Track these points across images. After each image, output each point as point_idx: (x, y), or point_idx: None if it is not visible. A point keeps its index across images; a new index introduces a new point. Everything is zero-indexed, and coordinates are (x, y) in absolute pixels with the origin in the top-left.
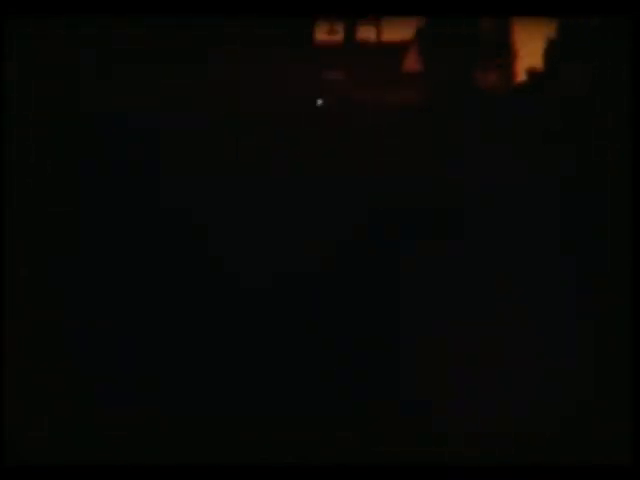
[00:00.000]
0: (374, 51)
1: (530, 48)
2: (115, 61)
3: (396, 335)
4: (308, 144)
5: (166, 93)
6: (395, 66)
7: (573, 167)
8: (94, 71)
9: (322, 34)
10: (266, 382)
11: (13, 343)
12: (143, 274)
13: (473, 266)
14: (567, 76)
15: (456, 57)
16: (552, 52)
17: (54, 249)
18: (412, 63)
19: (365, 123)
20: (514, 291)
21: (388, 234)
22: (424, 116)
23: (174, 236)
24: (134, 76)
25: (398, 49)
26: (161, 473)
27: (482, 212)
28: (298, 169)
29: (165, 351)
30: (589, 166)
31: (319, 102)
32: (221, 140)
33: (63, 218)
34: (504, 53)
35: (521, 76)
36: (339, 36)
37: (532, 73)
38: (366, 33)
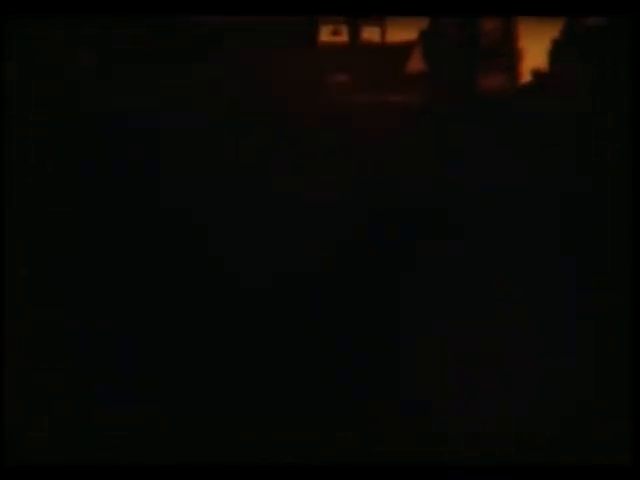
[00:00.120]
0: (377, 52)
1: (530, 49)
2: (115, 61)
3: (396, 335)
4: (310, 144)
5: (168, 93)
6: (398, 67)
7: (573, 167)
8: (94, 71)
9: (326, 36)
10: (266, 382)
11: (13, 343)
12: (143, 274)
13: (473, 266)
14: (567, 76)
15: (458, 58)
16: (552, 52)
17: (54, 249)
18: (415, 64)
19: (367, 124)
20: (514, 291)
21: (388, 234)
22: (426, 117)
23: (174, 236)
24: (134, 76)
25: (401, 51)
26: (161, 473)
27: (482, 212)
28: (300, 169)
29: (165, 351)
30: (589, 166)
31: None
32: (223, 140)
33: (63, 218)
34: (505, 54)
35: (521, 76)
36: (343, 38)
37: (532, 73)
38: (369, 35)
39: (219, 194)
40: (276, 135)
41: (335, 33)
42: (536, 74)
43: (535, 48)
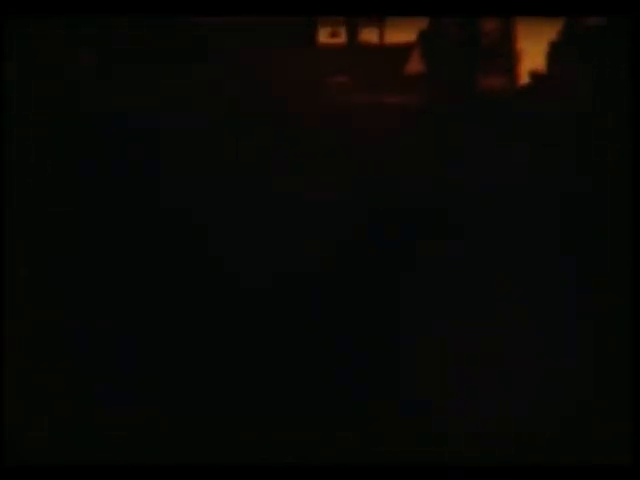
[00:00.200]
0: (377, 53)
1: (530, 49)
2: (115, 61)
3: (396, 335)
4: (310, 144)
5: (168, 93)
6: (397, 68)
7: (573, 167)
8: (94, 71)
9: (325, 36)
10: (266, 382)
11: (13, 343)
12: (143, 274)
13: (473, 266)
14: (567, 76)
15: (457, 59)
16: (552, 53)
17: (54, 249)
18: (414, 65)
19: (367, 124)
20: (514, 291)
21: (388, 234)
22: (426, 117)
23: (174, 236)
24: (134, 76)
25: (400, 51)
26: (161, 473)
27: (482, 212)
28: (299, 169)
29: (165, 351)
30: (589, 166)
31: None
32: (222, 140)
33: (63, 218)
34: (504, 55)
35: (521, 76)
36: (342, 38)
37: (532, 74)
38: (368, 36)
39: (219, 194)
40: (276, 135)
41: (334, 34)
42: (536, 74)
43: (535, 48)
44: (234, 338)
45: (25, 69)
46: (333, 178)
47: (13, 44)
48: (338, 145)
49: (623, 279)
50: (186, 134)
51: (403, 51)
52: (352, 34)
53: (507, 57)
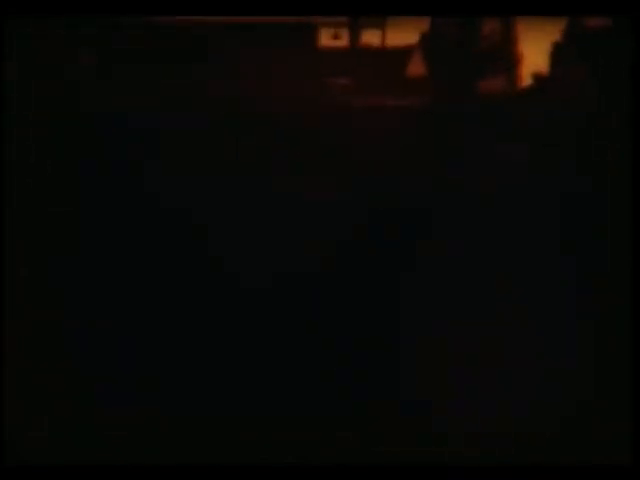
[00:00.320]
0: (378, 55)
1: (530, 50)
2: (115, 61)
3: (396, 335)
4: (311, 146)
5: (168, 93)
6: (398, 70)
7: (574, 168)
8: (94, 71)
9: (327, 38)
10: (266, 382)
11: (13, 343)
12: (143, 274)
13: (473, 266)
14: (568, 77)
15: (458, 60)
16: (552, 53)
17: (54, 249)
18: (415, 67)
19: (368, 125)
20: (514, 291)
21: (388, 235)
22: (427, 119)
23: (174, 236)
24: (134, 76)
25: (402, 53)
26: (161, 473)
27: (483, 213)
28: (301, 170)
29: (165, 351)
30: (590, 166)
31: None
32: (223, 141)
33: (63, 218)
34: (505, 56)
35: (522, 77)
36: (343, 40)
37: (533, 75)
38: (370, 37)
39: (220, 194)
40: (277, 136)
41: (336, 36)
42: (536, 75)
43: (535, 49)
44: (234, 338)
45: (25, 69)
46: (334, 178)
47: (13, 44)
48: (339, 146)
49: (623, 279)
50: (186, 134)
51: (404, 53)
52: (353, 36)
53: (508, 58)
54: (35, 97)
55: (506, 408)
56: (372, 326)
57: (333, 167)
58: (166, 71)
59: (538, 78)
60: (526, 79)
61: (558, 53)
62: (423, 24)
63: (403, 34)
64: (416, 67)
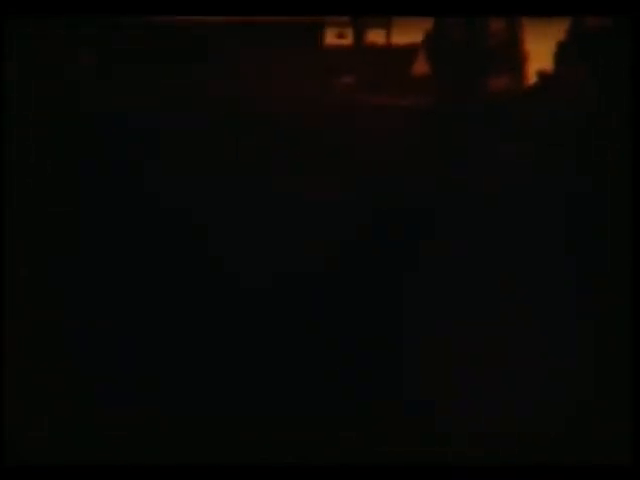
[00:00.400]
0: (382, 54)
1: (533, 50)
2: (115, 61)
3: (399, 335)
4: (315, 145)
5: (169, 93)
6: (403, 69)
7: (577, 167)
8: (94, 71)
9: (331, 37)
10: (268, 382)
11: (13, 343)
12: (143, 274)
13: (475, 266)
14: (571, 77)
15: (462, 60)
16: (553, 53)
17: (54, 249)
18: (420, 66)
19: (372, 125)
20: (515, 292)
21: (392, 235)
22: (431, 118)
23: (174, 236)
24: (134, 76)
25: (406, 53)
26: (161, 473)
27: (486, 213)
28: (304, 170)
29: (165, 351)
30: (592, 166)
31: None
32: (225, 140)
33: (63, 218)
34: (508, 56)
35: (524, 77)
36: (348, 40)
37: (535, 74)
38: (374, 37)
39: (221, 194)
40: (281, 136)
41: (340, 35)
42: (539, 75)
43: (538, 49)
44: (235, 338)
45: (25, 69)
46: (337, 178)
47: (13, 44)
48: (342, 145)
49: (623, 279)
50: (186, 134)
51: (409, 52)
52: (358, 35)
53: (511, 58)
54: (35, 97)
55: (506, 408)
56: (375, 326)
57: (336, 167)
58: (166, 71)
59: (540, 78)
60: (529, 79)
61: (559, 53)
62: (427, 24)
63: (407, 34)
64: (420, 67)
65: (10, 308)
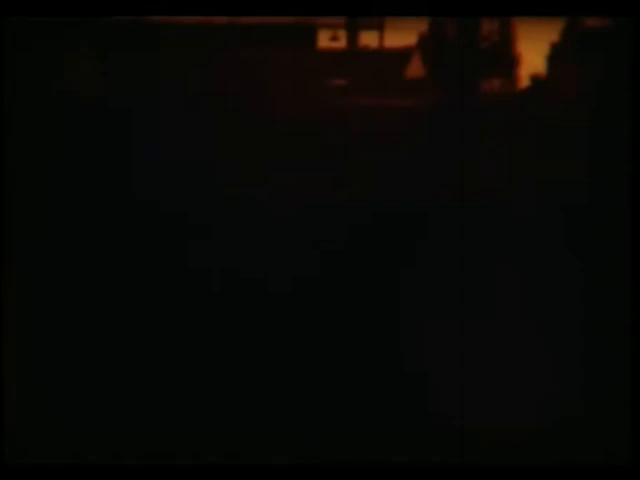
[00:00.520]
0: (376, 57)
1: (531, 50)
2: (115, 61)
3: (397, 336)
4: (308, 146)
5: (169, 94)
6: (396, 71)
7: (574, 167)
8: (94, 71)
9: (325, 40)
10: (269, 383)
11: (13, 343)
12: (142, 275)
13: (476, 267)
14: (568, 76)
15: (456, 62)
16: (552, 54)
17: (54, 249)
18: (413, 68)
19: (365, 126)
20: (515, 293)
21: (391, 236)
22: (425, 120)
23: (174, 238)
24: (134, 76)
25: (399, 55)
26: (161, 473)
27: (484, 213)
28: (298, 171)
29: (165, 351)
30: (589, 166)
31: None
32: (220, 141)
33: (63, 218)
34: (504, 56)
35: (522, 78)
36: (341, 42)
37: (531, 75)
38: (368, 40)
39: (215, 194)
40: (273, 136)
41: (334, 38)
42: (535, 76)
43: (535, 50)
44: (234, 340)
45: (25, 69)
46: (331, 179)
47: (13, 44)
48: (336, 146)
49: (623, 279)
50: (186, 136)
51: (402, 54)
52: (352, 38)
53: (506, 59)
54: (35, 97)
55: (506, 408)
56: (375, 328)
57: (332, 168)
58: (165, 71)
59: (537, 78)
60: (524, 79)
61: (558, 54)
62: (422, 26)
63: (401, 36)
64: (415, 69)
65: (10, 308)
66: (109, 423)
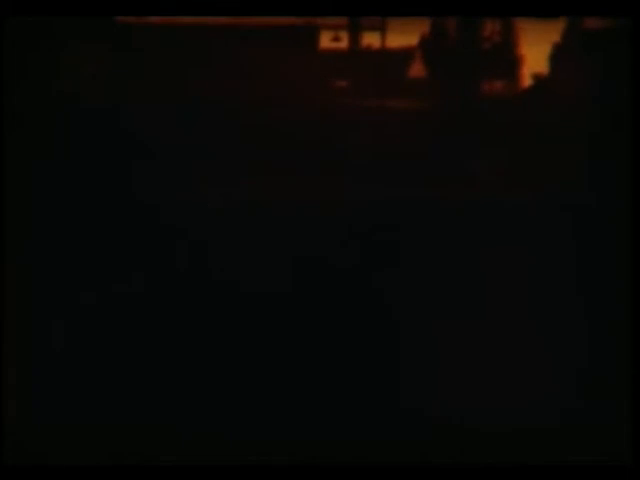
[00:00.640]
0: (377, 58)
1: (531, 51)
2: (115, 61)
3: (396, 336)
4: (310, 150)
5: (171, 94)
6: (399, 73)
7: (573, 167)
8: (94, 71)
9: (327, 41)
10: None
11: (13, 342)
12: (141, 277)
13: (479, 271)
14: (568, 77)
15: (458, 63)
16: (552, 54)
17: (54, 249)
18: (415, 70)
19: (367, 129)
20: (515, 291)
21: (389, 240)
22: (427, 122)
23: (174, 240)
24: (134, 76)
25: (402, 56)
26: (161, 473)
27: (485, 214)
28: (301, 173)
29: (165, 352)
30: (590, 166)
31: None
32: (223, 144)
33: (63, 218)
34: (505, 57)
35: (522, 79)
36: (343, 43)
37: (533, 76)
38: (369, 40)
39: (218, 197)
40: (276, 139)
41: (336, 39)
42: (536, 77)
43: (536, 51)
44: (231, 344)
45: (25, 69)
46: (333, 181)
47: (13, 44)
48: (341, 150)
49: (623, 279)
50: (187, 138)
51: (405, 55)
52: (353, 38)
53: (508, 60)
54: (35, 97)
55: (506, 408)
56: (375, 331)
57: (332, 171)
58: (166, 73)
59: (537, 80)
60: (525, 81)
61: (557, 55)
62: (423, 26)
63: (405, 37)
64: (418, 70)
65: (10, 308)
66: (109, 423)
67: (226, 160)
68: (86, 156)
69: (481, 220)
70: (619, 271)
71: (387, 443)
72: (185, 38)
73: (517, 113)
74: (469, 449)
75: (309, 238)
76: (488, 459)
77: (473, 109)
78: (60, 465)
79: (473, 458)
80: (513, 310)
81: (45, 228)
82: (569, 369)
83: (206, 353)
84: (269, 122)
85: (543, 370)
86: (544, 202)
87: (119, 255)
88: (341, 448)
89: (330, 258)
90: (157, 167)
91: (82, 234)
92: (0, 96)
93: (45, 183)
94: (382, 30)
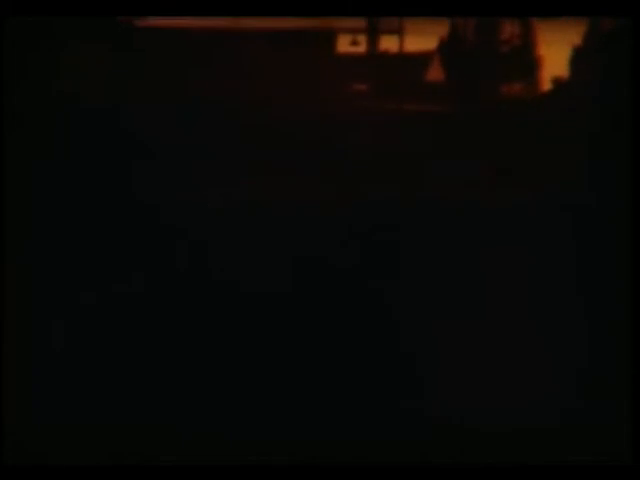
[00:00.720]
0: (395, 61)
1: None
2: (116, 61)
3: (396, 336)
4: (328, 151)
5: (173, 95)
6: (417, 75)
7: (574, 167)
8: (93, 71)
9: (345, 45)
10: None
11: (13, 343)
12: (141, 277)
13: (477, 267)
14: (568, 77)
15: (475, 65)
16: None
17: (54, 249)
18: (433, 72)
19: (386, 130)
20: (515, 291)
21: (400, 240)
22: (445, 124)
23: (173, 238)
24: (135, 76)
25: (419, 59)
26: (161, 473)
27: (489, 214)
28: (318, 173)
29: (165, 353)
30: (590, 166)
31: None
32: (239, 145)
33: (63, 218)
34: (520, 58)
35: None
36: (361, 47)
37: (542, 78)
38: (387, 44)
39: (233, 196)
40: (292, 141)
41: (354, 42)
42: (549, 79)
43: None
44: (232, 343)
45: (25, 69)
46: (350, 183)
47: (13, 44)
48: (356, 152)
49: (623, 279)
50: (194, 138)
51: (422, 58)
52: (371, 42)
53: (522, 61)
54: (35, 96)
55: (507, 408)
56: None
57: (349, 173)
58: (171, 73)
59: (550, 81)
60: (538, 83)
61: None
62: (442, 30)
63: (422, 41)
64: (435, 73)
65: (10, 308)
66: (109, 423)
67: (235, 162)
68: (86, 156)
69: (481, 220)
70: (619, 271)
71: (387, 443)
72: (190, 40)
73: (517, 113)
74: (469, 449)
75: (309, 238)
76: (488, 459)
77: (490, 110)
78: (60, 465)
79: (473, 458)
80: (513, 310)
81: (45, 228)
82: (569, 369)
83: (206, 353)
84: (284, 123)
85: (543, 370)
86: (544, 202)
87: (119, 255)
88: (341, 448)
89: (330, 258)
90: (157, 167)
91: (82, 234)
92: (0, 96)
93: (45, 183)
94: (399, 34)
